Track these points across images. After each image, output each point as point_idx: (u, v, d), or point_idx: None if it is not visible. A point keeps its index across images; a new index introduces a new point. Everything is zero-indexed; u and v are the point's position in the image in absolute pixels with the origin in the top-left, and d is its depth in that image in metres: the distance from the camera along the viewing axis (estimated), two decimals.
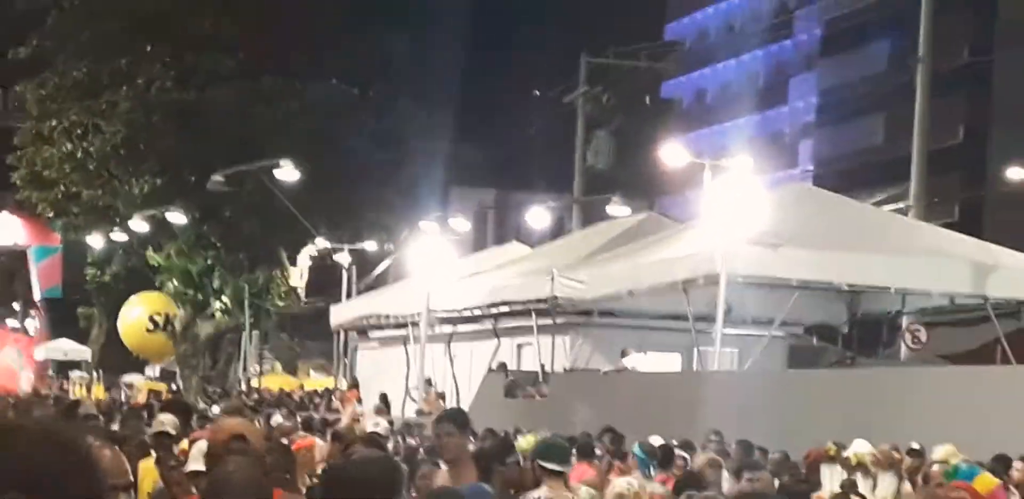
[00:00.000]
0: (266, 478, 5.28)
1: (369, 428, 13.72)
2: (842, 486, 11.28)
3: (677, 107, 70.50)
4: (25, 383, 51.30)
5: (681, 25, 73.12)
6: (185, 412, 15.87)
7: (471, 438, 16.76)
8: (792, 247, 22.32)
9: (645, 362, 24.20)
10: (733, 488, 12.61)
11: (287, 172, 38.16)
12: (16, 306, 69.29)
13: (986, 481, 8.46)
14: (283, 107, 44.65)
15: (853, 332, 28.31)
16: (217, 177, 39.90)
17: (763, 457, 15.84)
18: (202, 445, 9.12)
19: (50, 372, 57.42)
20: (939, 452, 12.99)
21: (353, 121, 45.34)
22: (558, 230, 44.95)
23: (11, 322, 68.79)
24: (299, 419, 21.57)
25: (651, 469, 12.74)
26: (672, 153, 36.59)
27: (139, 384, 40.95)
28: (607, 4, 65.92)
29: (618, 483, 11.59)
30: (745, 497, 5.15)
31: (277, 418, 20.79)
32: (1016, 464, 12.15)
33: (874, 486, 13.34)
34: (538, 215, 40.43)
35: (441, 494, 6.82)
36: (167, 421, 13.44)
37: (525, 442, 10.03)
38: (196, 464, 7.96)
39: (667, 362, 25.35)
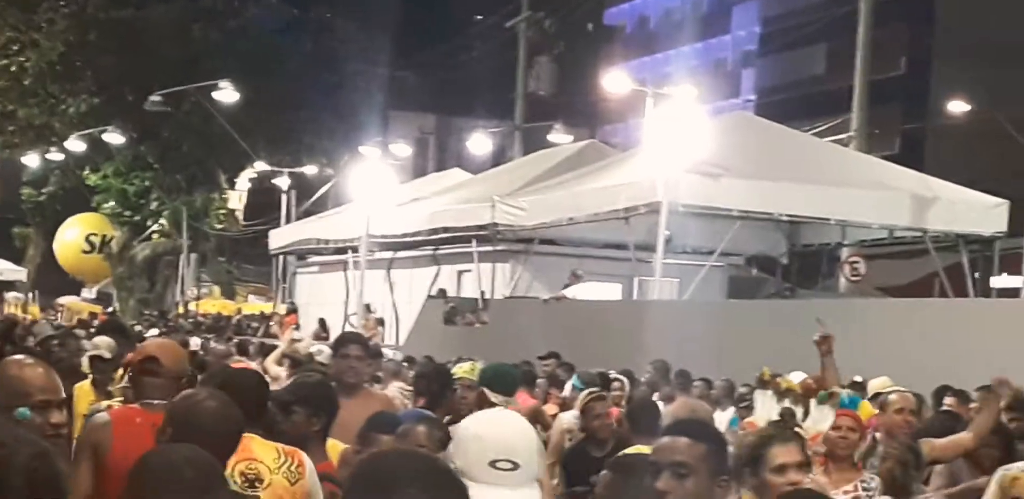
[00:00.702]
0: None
1: (316, 355, 13.63)
2: (781, 414, 11.29)
3: (620, 34, 70.11)
4: None
5: None
6: (122, 333, 15.75)
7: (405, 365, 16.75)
8: (733, 177, 22.29)
9: (585, 290, 24.17)
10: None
11: (226, 93, 37.81)
12: None
13: (867, 410, 8.61)
14: (222, 26, 44.16)
15: (792, 263, 28.44)
16: (155, 97, 39.47)
17: (706, 387, 15.91)
18: None
19: None
20: (875, 384, 13.02)
21: (293, 42, 44.91)
22: (499, 157, 44.81)
23: None
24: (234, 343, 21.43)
25: None
26: (614, 81, 36.45)
27: (72, 305, 40.64)
28: None
29: (565, 418, 11.53)
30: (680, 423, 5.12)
31: (196, 341, 20.65)
32: (947, 400, 12.19)
33: (805, 415, 13.38)
34: (479, 141, 40.29)
35: (377, 418, 6.74)
36: (102, 344, 13.31)
37: (461, 370, 9.93)
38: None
39: (607, 291, 25.33)
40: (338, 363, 8.67)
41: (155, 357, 6.35)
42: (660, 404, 14.70)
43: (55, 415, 4.85)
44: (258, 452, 5.75)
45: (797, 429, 8.86)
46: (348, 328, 29.02)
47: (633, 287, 24.09)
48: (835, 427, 8.07)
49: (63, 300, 45.58)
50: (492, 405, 8.74)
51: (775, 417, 12.45)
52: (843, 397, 8.89)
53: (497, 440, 3.95)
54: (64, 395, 5.06)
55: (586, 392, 10.97)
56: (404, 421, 6.41)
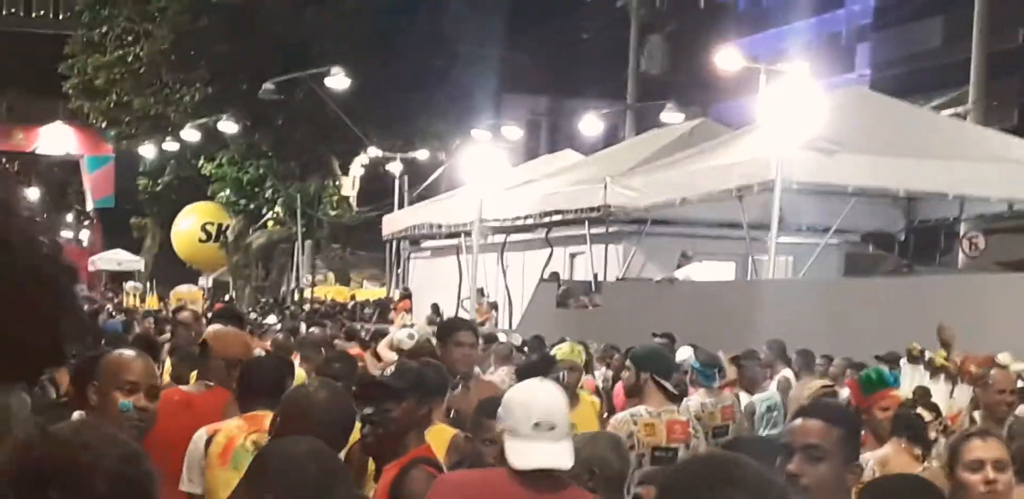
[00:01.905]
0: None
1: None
2: (914, 392, 10.97)
3: (732, 10, 69.50)
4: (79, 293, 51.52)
5: None
6: (237, 321, 15.75)
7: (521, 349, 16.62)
8: (848, 152, 21.91)
9: (699, 271, 23.92)
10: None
11: (337, 80, 37.82)
12: (69, 217, 69.64)
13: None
14: (335, 9, 44.18)
15: (910, 239, 27.96)
16: (268, 85, 39.61)
17: (827, 364, 15.67)
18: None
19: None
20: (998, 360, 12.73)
21: (406, 25, 44.83)
22: (611, 137, 44.52)
23: (65, 233, 69.16)
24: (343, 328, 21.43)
25: (714, 380, 12.28)
26: (727, 58, 36.06)
27: (183, 294, 41.00)
28: None
29: (691, 404, 11.24)
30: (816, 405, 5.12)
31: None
32: None
33: (951, 393, 13.00)
34: (591, 122, 40.03)
35: (488, 403, 6.65)
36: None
37: (561, 352, 9.74)
38: None
39: (721, 271, 25.06)
40: (451, 351, 8.44)
41: (205, 342, 6.99)
42: (775, 383, 14.55)
43: (139, 399, 5.29)
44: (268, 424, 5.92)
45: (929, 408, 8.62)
46: (462, 312, 29.01)
47: (747, 266, 23.81)
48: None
49: (181, 289, 46.01)
50: (662, 390, 8.59)
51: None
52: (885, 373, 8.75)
53: (539, 406, 4.98)
54: (156, 382, 5.48)
55: (819, 385, 10.77)
56: None
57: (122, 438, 2.99)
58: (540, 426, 4.90)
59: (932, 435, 8.01)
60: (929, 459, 7.40)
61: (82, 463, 2.75)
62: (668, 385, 8.73)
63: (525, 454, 4.88)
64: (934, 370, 11.91)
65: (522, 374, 8.96)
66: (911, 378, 12.26)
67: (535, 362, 9.92)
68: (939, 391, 11.27)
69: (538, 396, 5.05)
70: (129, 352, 5.62)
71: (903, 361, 11.58)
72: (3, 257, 1.74)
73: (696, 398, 11.14)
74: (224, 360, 6.95)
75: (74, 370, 6.25)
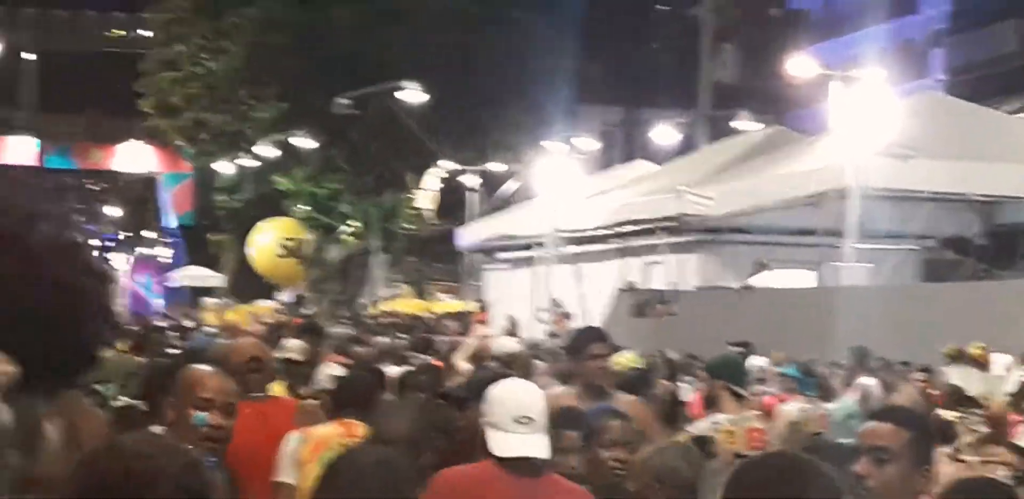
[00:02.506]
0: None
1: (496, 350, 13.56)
2: (948, 394, 10.89)
3: (805, 17, 69.22)
4: (157, 310, 51.99)
5: None
6: (317, 335, 15.86)
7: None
8: (924, 158, 21.79)
9: (775, 279, 23.82)
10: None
11: (411, 94, 37.92)
12: (149, 234, 70.20)
13: None
14: (406, 26, 44.34)
15: (988, 244, 27.68)
16: (342, 100, 39.79)
17: (905, 371, 15.58)
18: (328, 369, 9.14)
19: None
20: None
21: (477, 39, 44.91)
22: (685, 147, 44.38)
23: (144, 250, 69.71)
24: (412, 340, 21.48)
25: (813, 389, 12.20)
26: (800, 65, 35.90)
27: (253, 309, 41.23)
28: None
29: (789, 410, 11.18)
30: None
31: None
32: None
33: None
34: (664, 132, 39.96)
35: (562, 413, 6.68)
36: (293, 347, 13.39)
37: (624, 359, 9.68)
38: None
39: (798, 278, 24.95)
40: (585, 364, 7.96)
41: (258, 356, 7.24)
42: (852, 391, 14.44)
43: (215, 416, 5.34)
44: (363, 432, 6.50)
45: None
46: (538, 324, 29.01)
47: (824, 274, 23.69)
48: None
49: (260, 304, 46.19)
50: (737, 398, 8.55)
51: (974, 389, 12.02)
52: None
53: (519, 403, 5.53)
54: (231, 399, 5.48)
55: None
56: (593, 416, 6.41)
57: (183, 448, 3.05)
58: (519, 420, 5.44)
59: (975, 428, 8.01)
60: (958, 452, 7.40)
61: (145, 472, 2.82)
62: (743, 392, 8.72)
63: (506, 444, 5.44)
64: (975, 364, 11.83)
65: (622, 386, 8.85)
66: (959, 377, 12.16)
67: (635, 377, 9.85)
68: (982, 380, 11.16)
69: (518, 394, 5.61)
70: (206, 368, 5.66)
71: (946, 365, 11.49)
72: (26, 267, 1.74)
73: (795, 405, 11.12)
74: (272, 371, 7.51)
75: (145, 381, 6.34)
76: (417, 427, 5.60)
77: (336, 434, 6.69)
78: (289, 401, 7.83)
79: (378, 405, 6.09)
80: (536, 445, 5.46)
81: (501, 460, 5.44)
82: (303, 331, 16.18)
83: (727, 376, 8.83)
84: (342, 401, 7.13)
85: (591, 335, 8.41)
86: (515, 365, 12.54)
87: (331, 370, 12.76)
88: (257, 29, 45.43)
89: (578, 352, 8.11)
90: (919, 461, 4.50)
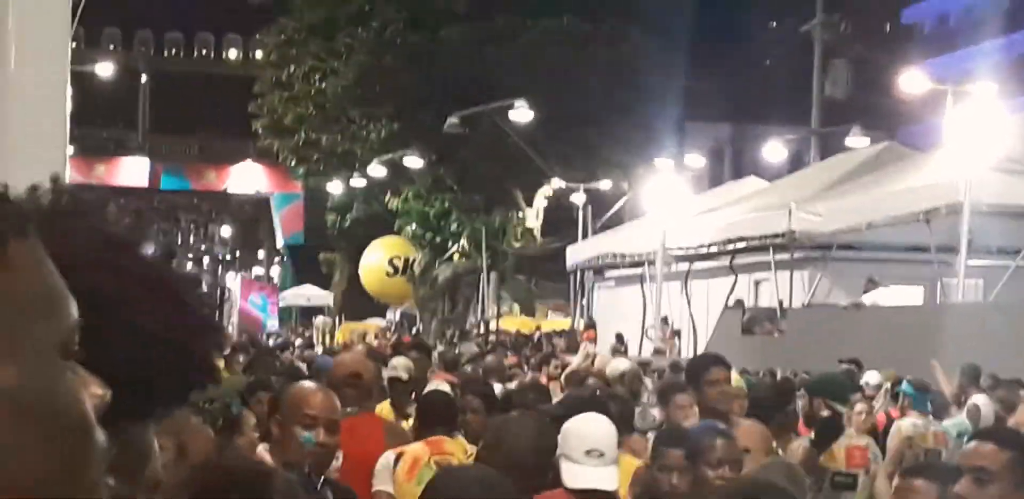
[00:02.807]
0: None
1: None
2: None
3: (918, 33, 68.65)
4: (270, 329, 52.43)
5: None
6: (426, 353, 15.91)
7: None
8: None
9: (886, 296, 23.54)
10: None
11: (520, 113, 37.96)
12: (261, 254, 70.88)
13: None
14: (515, 46, 44.49)
15: None
16: (452, 119, 39.93)
17: (1014, 388, 15.27)
18: (434, 387, 9.21)
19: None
20: None
21: (587, 57, 44.94)
22: (797, 163, 44.09)
23: (257, 269, 70.37)
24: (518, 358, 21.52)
25: (926, 405, 12.01)
26: (912, 80, 35.59)
27: (356, 327, 41.42)
28: None
29: (904, 426, 11.03)
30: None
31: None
32: None
33: None
34: (775, 149, 39.73)
35: (666, 432, 6.73)
36: (400, 365, 13.40)
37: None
38: None
39: (909, 295, 24.63)
40: (705, 391, 7.77)
41: (359, 372, 7.46)
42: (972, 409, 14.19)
43: (320, 433, 5.36)
44: (449, 448, 7.14)
45: None
46: (646, 341, 28.90)
47: (936, 290, 23.37)
48: None
49: (369, 322, 46.52)
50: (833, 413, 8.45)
51: None
52: None
53: (591, 436, 5.71)
54: (336, 416, 5.53)
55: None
56: (696, 435, 6.34)
57: (259, 462, 3.14)
58: (591, 453, 5.63)
59: None
60: None
61: (262, 472, 3.11)
62: (842, 409, 8.59)
63: (577, 476, 5.61)
64: None
65: (754, 403, 8.69)
66: None
67: (767, 395, 9.69)
68: None
69: (591, 427, 5.82)
70: (311, 385, 5.73)
71: None
72: (161, 298, 1.71)
73: (909, 421, 10.98)
74: (371, 386, 7.72)
75: (269, 404, 6.41)
76: (532, 447, 5.62)
77: (426, 453, 7.06)
78: (376, 418, 7.93)
79: (489, 424, 6.22)
80: (606, 478, 5.66)
81: (573, 491, 5.61)
82: (411, 349, 16.22)
83: (827, 393, 8.72)
84: (427, 420, 7.53)
85: (707, 360, 8.29)
86: (622, 383, 12.47)
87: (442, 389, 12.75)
88: (369, 50, 45.82)
89: (696, 378, 7.93)
90: (1022, 482, 4.38)
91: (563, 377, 14.00)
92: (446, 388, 12.43)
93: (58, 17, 4.40)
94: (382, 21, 46.26)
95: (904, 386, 13.16)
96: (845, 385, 9.41)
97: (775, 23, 53.77)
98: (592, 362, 15.03)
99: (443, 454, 7.04)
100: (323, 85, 47.21)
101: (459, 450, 7.42)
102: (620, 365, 13.91)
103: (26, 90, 4.10)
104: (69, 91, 4.34)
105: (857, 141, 35.95)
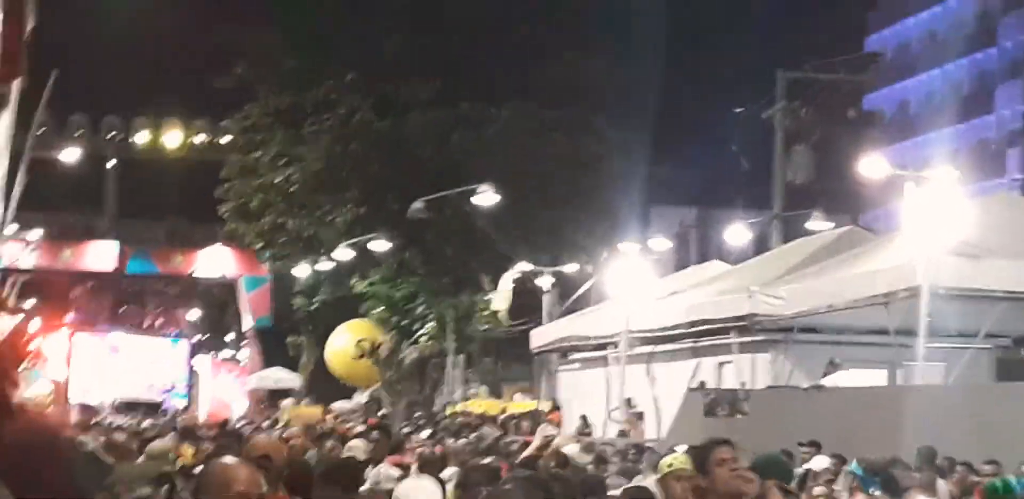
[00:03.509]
0: None
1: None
2: None
3: (879, 119, 69.41)
4: (239, 411, 52.32)
5: (881, 37, 72.00)
6: (386, 435, 16.07)
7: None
8: (996, 257, 21.73)
9: (847, 378, 23.73)
10: None
11: (486, 197, 38.25)
12: (229, 337, 70.80)
13: None
14: (479, 132, 44.88)
15: None
16: (418, 204, 40.17)
17: (967, 471, 15.44)
18: (382, 469, 9.38)
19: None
20: None
21: (550, 143, 45.37)
22: (760, 247, 44.43)
23: (226, 352, 70.25)
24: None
25: (874, 489, 12.09)
26: (872, 166, 35.94)
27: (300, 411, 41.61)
28: (806, 19, 65.13)
29: None
30: None
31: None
32: None
33: None
34: (738, 232, 40.06)
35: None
36: (356, 447, 13.57)
37: (677, 461, 9.56)
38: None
39: (871, 377, 24.84)
40: (717, 473, 7.45)
41: (268, 454, 7.60)
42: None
43: None
44: None
45: None
46: (610, 423, 29.00)
47: (896, 373, 23.58)
48: None
49: (336, 405, 46.47)
50: (786, 494, 8.50)
51: None
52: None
53: None
54: (262, 490, 5.54)
55: None
56: None
57: None
58: None
59: None
60: None
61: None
62: (792, 489, 8.65)
63: None
64: None
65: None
66: None
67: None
68: None
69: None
70: (232, 461, 5.71)
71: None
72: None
73: None
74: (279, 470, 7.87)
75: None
76: None
77: None
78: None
79: None
80: None
81: None
82: (372, 431, 16.40)
83: (774, 474, 8.85)
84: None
85: (711, 442, 7.88)
86: (568, 467, 12.61)
87: (388, 471, 12.89)
88: (335, 137, 46.12)
89: (704, 462, 7.56)
90: None
91: (518, 461, 14.11)
92: (395, 471, 12.63)
93: None
94: (348, 108, 46.60)
95: (853, 467, 13.28)
96: (788, 466, 9.49)
97: (739, 108, 54.25)
98: (547, 445, 15.13)
99: None
100: (289, 171, 47.40)
101: None
102: (571, 449, 14.09)
103: None
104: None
105: (819, 225, 36.36)
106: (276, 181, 47.64)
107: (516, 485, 7.13)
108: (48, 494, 2.77)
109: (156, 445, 15.04)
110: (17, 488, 2.72)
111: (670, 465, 8.55)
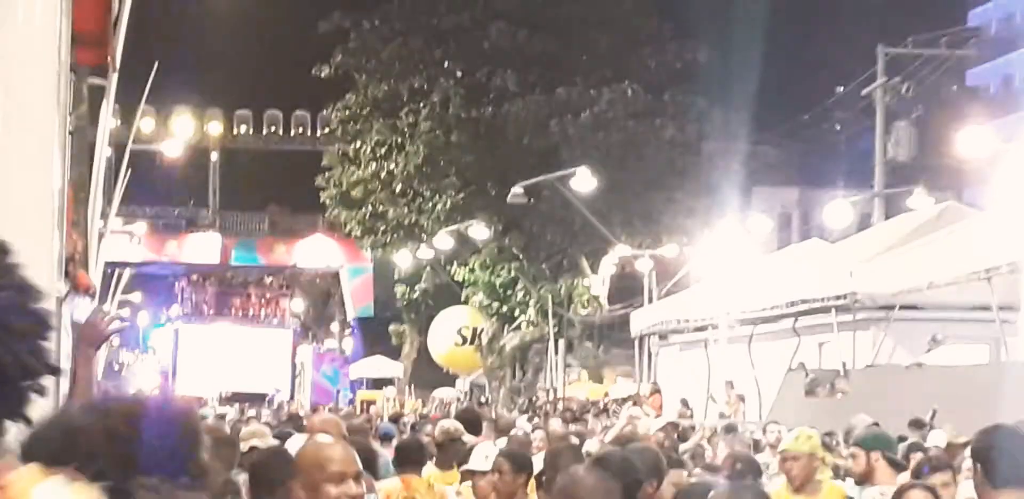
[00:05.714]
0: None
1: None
2: None
3: (983, 94, 68.44)
4: (342, 401, 52.61)
5: (984, 11, 70.97)
6: (475, 421, 16.06)
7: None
8: None
9: (949, 356, 23.38)
10: None
11: (583, 181, 38.06)
12: (333, 326, 71.14)
13: None
14: (578, 117, 44.73)
15: None
16: (517, 189, 40.08)
17: None
18: (483, 447, 9.45)
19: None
20: None
21: (650, 127, 45.15)
22: (863, 226, 43.93)
23: (329, 342, 70.60)
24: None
25: None
26: (975, 141, 35.44)
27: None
28: None
29: (964, 491, 10.89)
30: None
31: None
32: None
33: None
34: (839, 211, 39.58)
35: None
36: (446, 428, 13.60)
37: (785, 444, 9.49)
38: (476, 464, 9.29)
39: (972, 354, 24.45)
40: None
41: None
42: None
43: (350, 486, 5.22)
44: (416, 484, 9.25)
45: None
46: (711, 405, 28.81)
47: (1000, 349, 23.18)
48: None
49: (438, 393, 46.63)
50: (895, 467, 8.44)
51: None
52: None
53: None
54: (359, 468, 5.41)
55: None
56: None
57: None
58: None
59: None
60: None
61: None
62: (901, 461, 8.58)
63: None
64: None
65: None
66: None
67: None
68: None
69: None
70: (326, 440, 5.60)
71: None
72: None
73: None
74: None
75: (251, 468, 6.47)
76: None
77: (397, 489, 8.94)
78: None
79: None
80: None
81: None
82: (460, 418, 16.43)
83: (881, 446, 8.72)
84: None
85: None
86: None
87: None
88: (433, 126, 46.22)
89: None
90: None
91: (608, 441, 14.03)
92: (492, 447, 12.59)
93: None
94: (443, 95, 46.64)
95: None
96: (892, 439, 9.36)
97: (840, 87, 53.72)
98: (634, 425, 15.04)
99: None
100: (389, 163, 47.55)
101: (422, 485, 9.55)
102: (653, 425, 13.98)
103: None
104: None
105: (921, 202, 35.85)
106: (377, 172, 47.84)
107: (592, 463, 7.04)
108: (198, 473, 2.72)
109: (250, 429, 15.08)
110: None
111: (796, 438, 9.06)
